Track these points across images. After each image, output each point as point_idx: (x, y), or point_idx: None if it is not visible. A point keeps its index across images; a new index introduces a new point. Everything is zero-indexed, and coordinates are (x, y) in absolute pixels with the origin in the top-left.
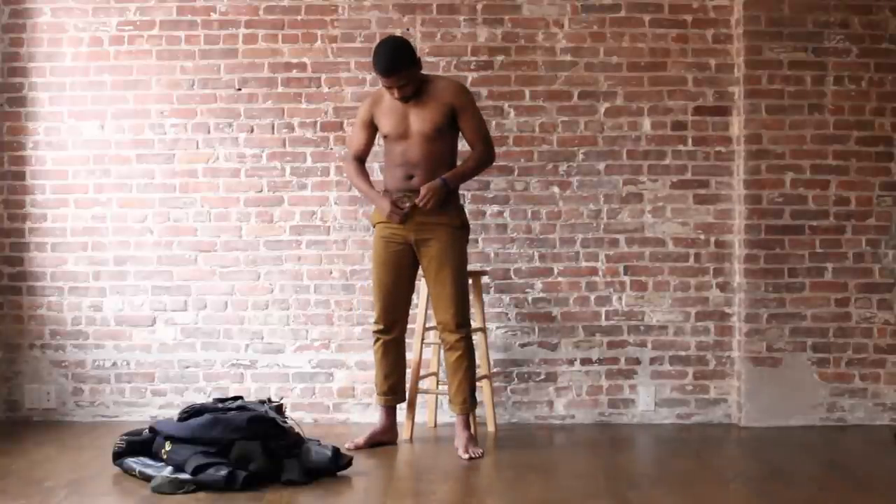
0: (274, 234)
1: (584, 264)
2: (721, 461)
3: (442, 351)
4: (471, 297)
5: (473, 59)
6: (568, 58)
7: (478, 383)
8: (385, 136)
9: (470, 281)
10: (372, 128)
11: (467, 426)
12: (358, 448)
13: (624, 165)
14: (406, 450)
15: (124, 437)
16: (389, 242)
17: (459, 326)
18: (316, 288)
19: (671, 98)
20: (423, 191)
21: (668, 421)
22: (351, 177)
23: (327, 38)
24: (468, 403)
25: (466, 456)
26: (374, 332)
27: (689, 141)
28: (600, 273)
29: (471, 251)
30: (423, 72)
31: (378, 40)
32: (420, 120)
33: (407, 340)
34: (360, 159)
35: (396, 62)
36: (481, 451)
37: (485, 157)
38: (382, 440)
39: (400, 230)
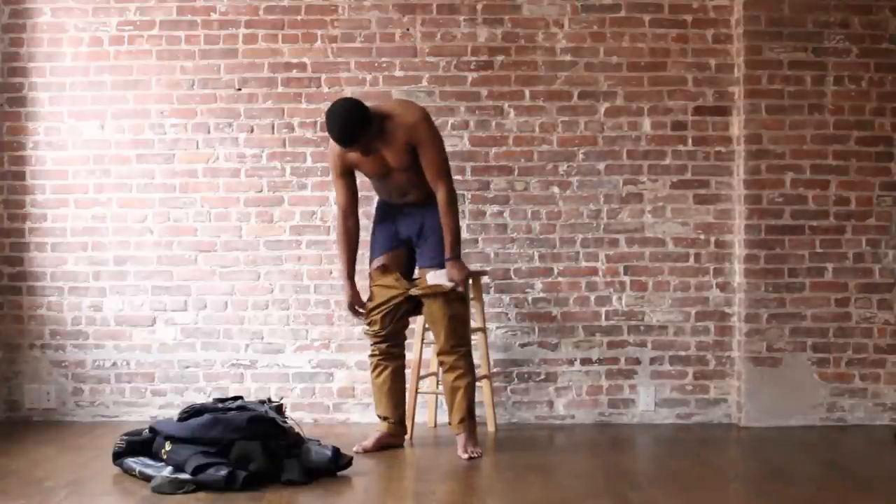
0: (274, 234)
1: (584, 264)
2: (721, 461)
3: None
4: (471, 296)
5: (473, 59)
6: (568, 58)
7: (478, 383)
8: (368, 176)
9: (470, 281)
10: (348, 175)
11: (467, 429)
12: (366, 451)
13: (624, 165)
14: (406, 450)
15: (124, 437)
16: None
17: (454, 348)
18: (316, 288)
19: (671, 98)
20: (459, 282)
21: (668, 421)
22: (337, 240)
23: (327, 38)
24: (466, 423)
25: (465, 455)
26: (373, 355)
27: (689, 141)
28: (600, 273)
29: (471, 251)
30: (382, 103)
31: (378, 39)
32: (391, 158)
33: (408, 341)
34: (349, 214)
35: (352, 134)
36: (480, 450)
37: (451, 200)
38: (391, 443)
39: (398, 288)
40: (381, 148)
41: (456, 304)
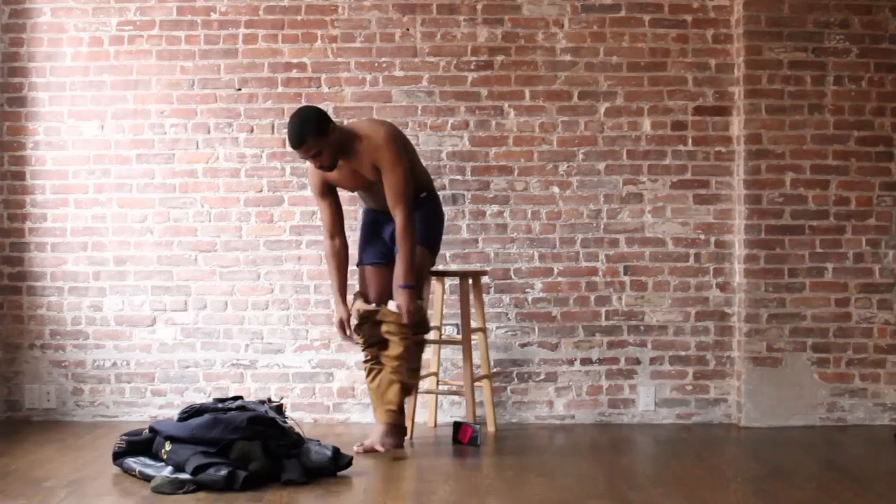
0: (274, 234)
1: (584, 264)
2: (721, 461)
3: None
4: (471, 297)
5: (473, 59)
6: (568, 58)
7: (478, 383)
8: (350, 191)
9: (470, 281)
10: (331, 194)
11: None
12: (366, 451)
13: (624, 165)
14: (406, 450)
15: (124, 437)
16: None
17: (402, 363)
18: (316, 288)
19: (671, 98)
20: (405, 316)
21: (668, 421)
22: (326, 261)
23: (327, 38)
24: (392, 414)
25: (382, 448)
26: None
27: (689, 141)
28: (600, 273)
29: (471, 251)
30: (353, 121)
31: (378, 39)
32: (367, 174)
33: None
34: (335, 234)
35: (302, 134)
36: (391, 444)
37: (407, 226)
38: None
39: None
40: (354, 166)
41: (412, 332)
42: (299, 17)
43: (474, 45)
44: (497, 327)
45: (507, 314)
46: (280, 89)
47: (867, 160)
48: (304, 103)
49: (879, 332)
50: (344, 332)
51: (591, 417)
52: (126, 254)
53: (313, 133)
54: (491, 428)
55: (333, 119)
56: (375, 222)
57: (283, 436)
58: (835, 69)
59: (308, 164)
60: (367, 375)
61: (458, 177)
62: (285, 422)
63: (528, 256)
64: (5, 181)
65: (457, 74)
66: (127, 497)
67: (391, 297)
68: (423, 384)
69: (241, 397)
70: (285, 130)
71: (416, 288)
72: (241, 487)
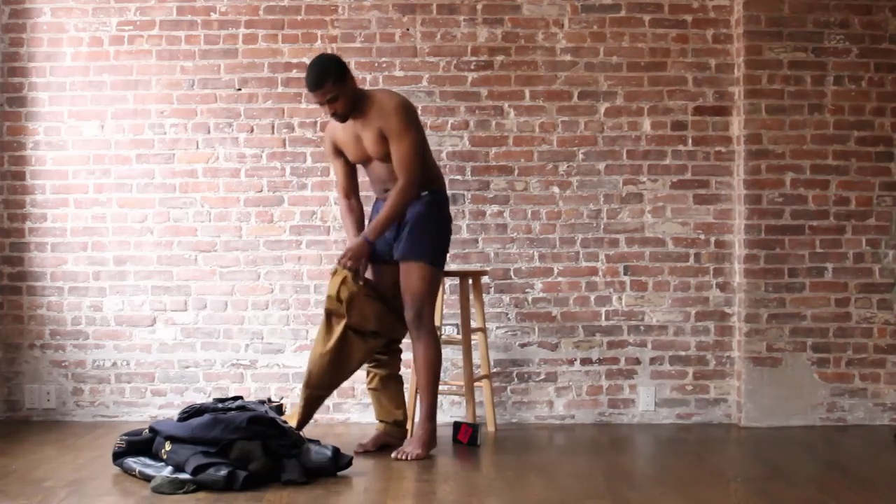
0: (274, 234)
1: (584, 264)
2: (721, 461)
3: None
4: (471, 297)
5: (473, 59)
6: (568, 58)
7: (478, 383)
8: (353, 161)
9: (470, 281)
10: (342, 155)
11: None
12: (366, 451)
13: (624, 165)
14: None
15: (124, 437)
16: None
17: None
18: (316, 288)
19: (671, 98)
20: (345, 252)
21: (668, 421)
22: (342, 219)
23: (327, 38)
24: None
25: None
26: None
27: (689, 141)
28: (600, 273)
29: (471, 251)
30: (372, 88)
31: (378, 39)
32: (368, 144)
33: (407, 341)
34: (349, 194)
35: (322, 76)
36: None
37: (404, 192)
38: (390, 442)
39: None
40: (358, 130)
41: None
42: (299, 17)
43: (474, 45)
44: (497, 327)
45: (507, 314)
46: (280, 89)
47: (867, 160)
48: (304, 104)
49: (879, 332)
50: (347, 262)
51: (591, 417)
52: (126, 254)
53: (332, 77)
54: (491, 428)
55: None
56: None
57: (283, 436)
58: (835, 69)
59: (326, 127)
60: (366, 376)
61: (458, 177)
62: (285, 422)
63: (528, 256)
64: (5, 181)
65: (457, 74)
66: (127, 497)
67: (396, 294)
68: None
69: (241, 397)
70: (286, 129)
71: (376, 239)
72: (241, 487)
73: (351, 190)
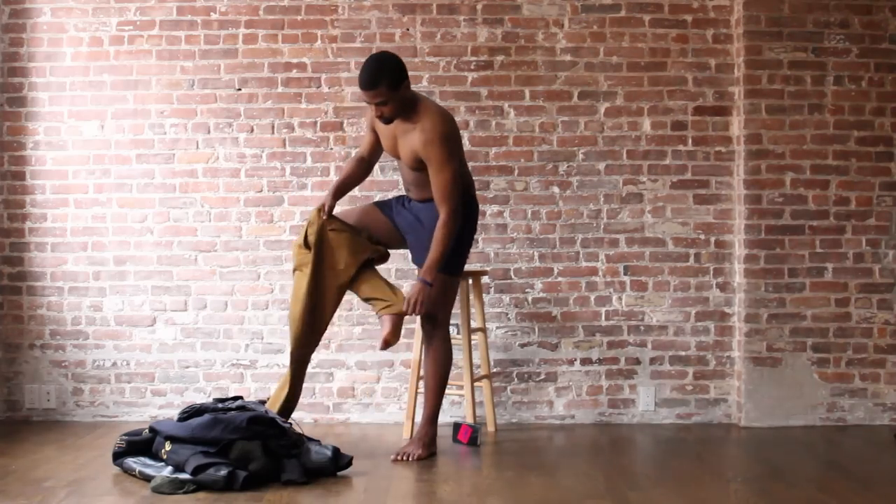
0: (274, 234)
1: (584, 264)
2: (721, 461)
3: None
4: (471, 297)
5: (473, 59)
6: (568, 58)
7: (478, 383)
8: (383, 146)
9: (470, 281)
10: (376, 133)
11: None
12: (389, 344)
13: (624, 165)
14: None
15: (124, 437)
16: None
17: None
18: None
19: (671, 98)
20: (407, 303)
21: (668, 421)
22: (343, 167)
23: (327, 38)
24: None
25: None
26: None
27: (689, 141)
28: (600, 273)
29: (471, 251)
30: (423, 93)
31: (378, 39)
32: (403, 152)
33: (408, 341)
34: (364, 156)
35: (377, 78)
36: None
37: (448, 226)
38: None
39: None
40: (402, 129)
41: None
42: (299, 17)
43: (474, 45)
44: (497, 327)
45: (507, 314)
46: (280, 89)
47: (867, 160)
48: (304, 104)
49: (879, 332)
50: (318, 212)
51: (591, 417)
52: (126, 254)
53: (387, 82)
54: (491, 428)
55: (333, 118)
56: (404, 199)
57: (282, 436)
58: (835, 69)
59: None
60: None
61: None
62: (285, 422)
63: (528, 256)
64: (5, 181)
65: (457, 74)
66: (127, 497)
67: (369, 234)
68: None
69: (241, 397)
70: (286, 129)
71: (433, 287)
72: (241, 487)
73: (368, 156)
